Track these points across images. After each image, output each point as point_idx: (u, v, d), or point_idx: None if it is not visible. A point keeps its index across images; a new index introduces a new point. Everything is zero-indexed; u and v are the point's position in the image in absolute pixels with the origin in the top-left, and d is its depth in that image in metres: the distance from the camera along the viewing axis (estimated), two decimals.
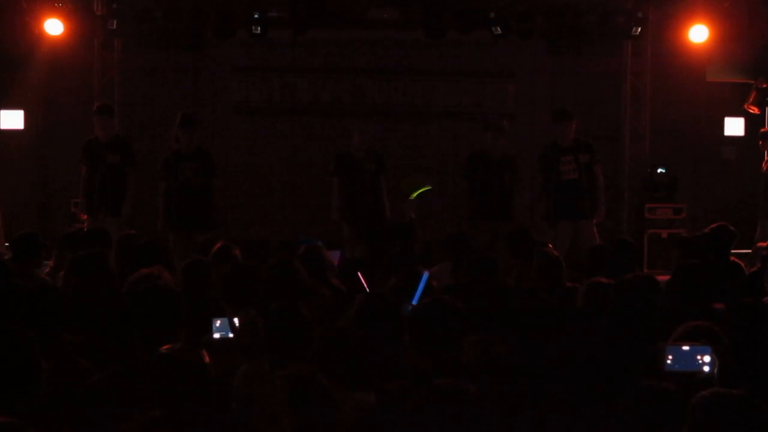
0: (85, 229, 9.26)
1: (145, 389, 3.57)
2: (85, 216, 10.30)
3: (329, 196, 10.50)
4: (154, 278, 5.39)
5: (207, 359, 3.60)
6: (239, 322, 3.34)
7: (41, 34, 11.84)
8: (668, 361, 3.61)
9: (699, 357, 3.65)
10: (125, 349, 4.42)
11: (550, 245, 7.71)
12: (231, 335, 3.43)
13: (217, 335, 3.86)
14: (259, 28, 11.53)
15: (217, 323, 3.84)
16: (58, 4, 11.74)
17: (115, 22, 11.74)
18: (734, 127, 13.44)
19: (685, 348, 3.68)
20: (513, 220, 9.98)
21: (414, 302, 4.71)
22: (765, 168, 11.65)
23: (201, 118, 10.83)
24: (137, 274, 5.67)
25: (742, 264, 7.47)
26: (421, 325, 4.21)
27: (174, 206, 9.97)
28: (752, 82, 12.80)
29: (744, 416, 2.83)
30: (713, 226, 7.65)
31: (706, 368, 3.64)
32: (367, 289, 5.91)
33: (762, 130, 12.08)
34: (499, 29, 11.62)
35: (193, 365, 3.56)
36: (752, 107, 12.82)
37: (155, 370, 3.58)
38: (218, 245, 7.02)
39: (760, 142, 11.75)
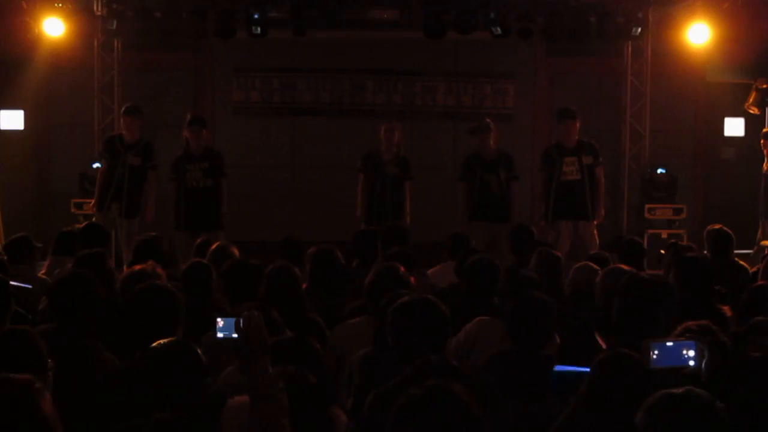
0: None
1: (141, 387, 3.56)
2: (95, 211, 10.31)
3: (330, 195, 10.45)
4: (149, 276, 5.38)
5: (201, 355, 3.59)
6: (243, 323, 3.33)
7: (41, 34, 11.82)
8: (653, 357, 3.57)
9: (684, 351, 3.61)
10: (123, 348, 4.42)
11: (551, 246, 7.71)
12: (235, 335, 3.40)
13: (221, 335, 3.84)
14: (259, 28, 11.51)
15: (221, 323, 3.81)
16: (58, 4, 11.72)
17: (115, 22, 11.72)
18: (734, 127, 13.43)
19: (669, 344, 3.63)
20: (511, 222, 9.92)
21: None
22: (765, 168, 11.63)
23: (206, 118, 10.83)
24: (130, 271, 5.67)
25: (746, 265, 7.47)
26: (405, 325, 4.12)
27: (183, 207, 10.03)
28: (752, 82, 12.77)
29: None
30: (709, 228, 7.65)
31: (692, 363, 3.60)
32: None
33: (764, 130, 12.05)
34: (499, 29, 11.59)
35: (186, 358, 3.55)
36: (752, 108, 12.79)
37: (148, 363, 3.58)
38: (215, 245, 7.02)
39: (762, 142, 11.74)
